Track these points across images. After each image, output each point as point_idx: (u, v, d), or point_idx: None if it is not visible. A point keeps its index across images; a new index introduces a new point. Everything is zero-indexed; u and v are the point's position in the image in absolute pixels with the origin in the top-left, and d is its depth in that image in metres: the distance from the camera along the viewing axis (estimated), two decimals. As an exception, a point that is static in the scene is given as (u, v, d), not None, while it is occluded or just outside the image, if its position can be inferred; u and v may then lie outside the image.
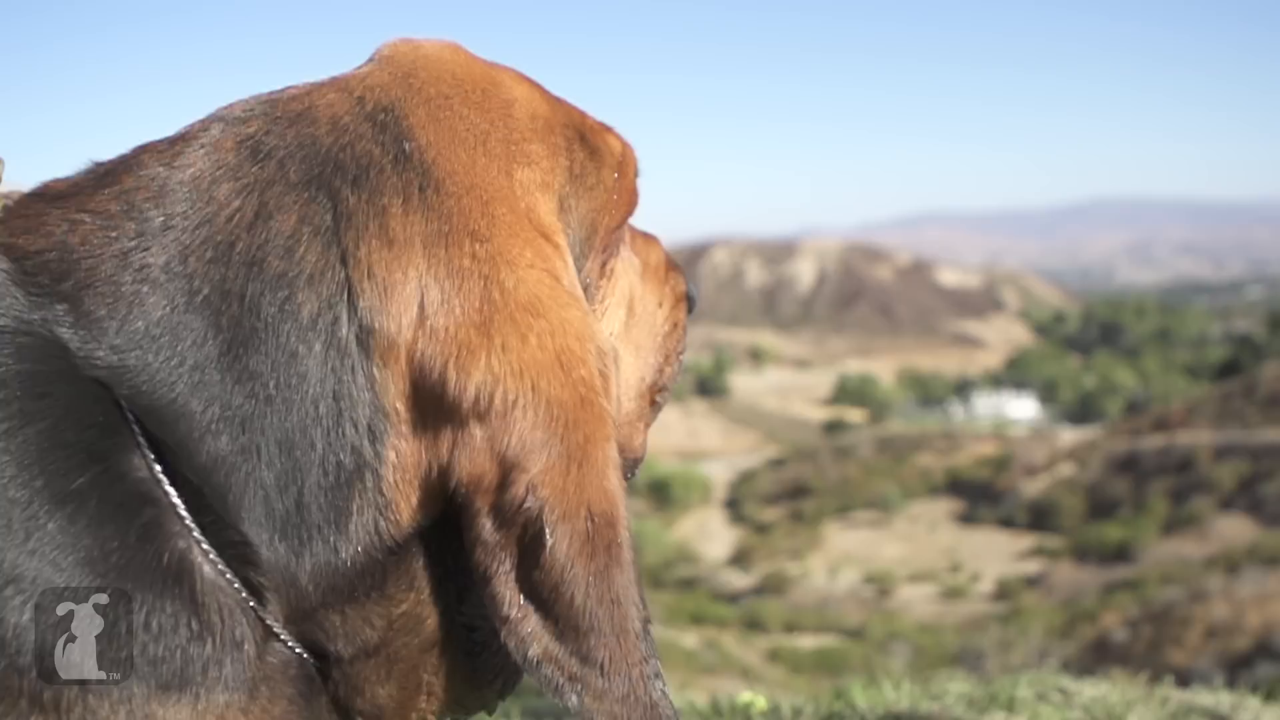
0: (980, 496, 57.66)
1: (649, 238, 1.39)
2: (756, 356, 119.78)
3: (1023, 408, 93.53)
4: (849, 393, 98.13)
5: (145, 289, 1.00)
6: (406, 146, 1.07)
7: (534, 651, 0.99)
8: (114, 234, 1.03)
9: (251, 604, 0.98)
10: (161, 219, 1.03)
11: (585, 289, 1.17)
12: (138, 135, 1.16)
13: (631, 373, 1.32)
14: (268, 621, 0.99)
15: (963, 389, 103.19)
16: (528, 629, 0.99)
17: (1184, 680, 4.44)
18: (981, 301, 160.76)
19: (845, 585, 47.22)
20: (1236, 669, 22.84)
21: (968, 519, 56.48)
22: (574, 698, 0.99)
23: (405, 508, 1.01)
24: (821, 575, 48.59)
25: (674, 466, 64.86)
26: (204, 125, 1.11)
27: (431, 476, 1.00)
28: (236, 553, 0.97)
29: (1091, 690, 3.89)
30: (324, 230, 1.02)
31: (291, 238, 1.01)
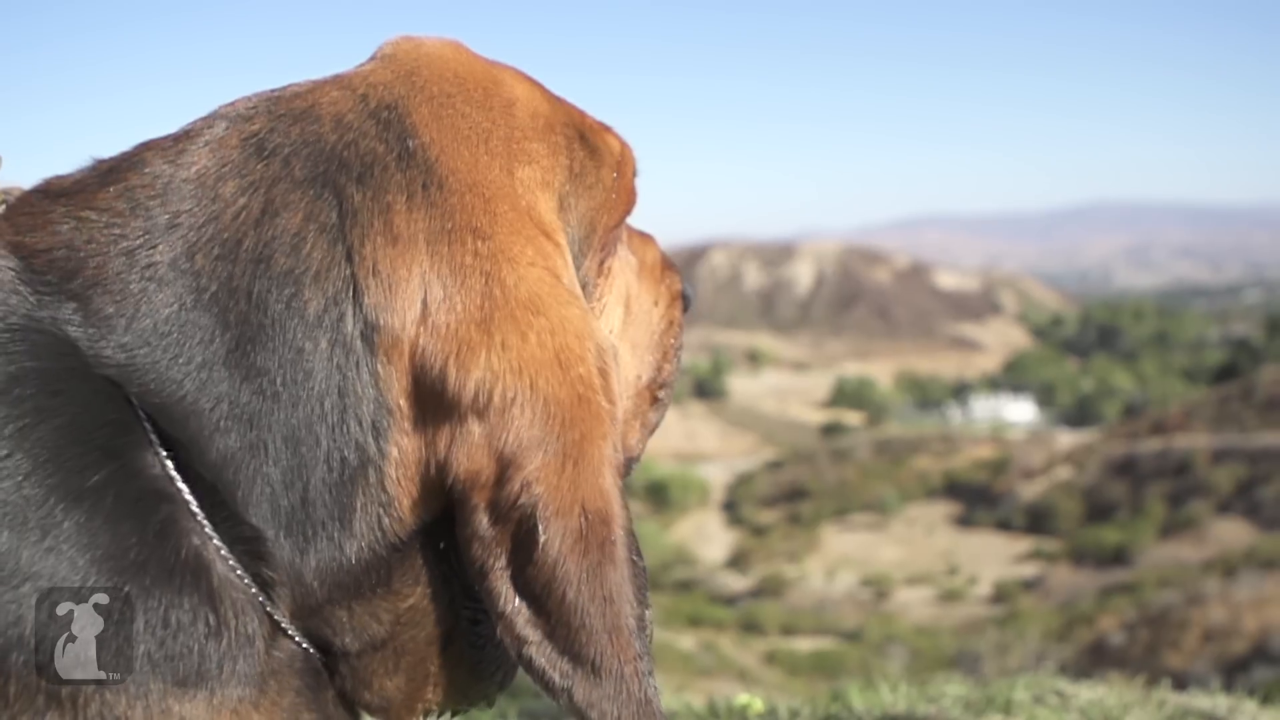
0: (978, 499, 57.64)
1: (645, 237, 1.40)
2: (754, 359, 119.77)
3: (1020, 411, 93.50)
4: (847, 395, 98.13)
5: (153, 287, 1.00)
6: (410, 144, 1.08)
7: (527, 647, 1.00)
8: (121, 232, 1.03)
9: (261, 600, 0.99)
10: (167, 216, 1.04)
11: (583, 287, 1.18)
12: (137, 135, 1.16)
13: (628, 371, 1.32)
14: (275, 617, 1.00)
15: (960, 392, 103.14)
16: (521, 624, 1.00)
17: (1181, 683, 4.45)
18: (979, 304, 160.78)
19: (842, 588, 47.19)
20: (1233, 672, 22.82)
21: (965, 522, 56.45)
22: (565, 694, 1.00)
23: (408, 504, 1.02)
24: (819, 578, 48.55)
25: (672, 468, 64.81)
26: (207, 122, 1.11)
27: (431, 473, 1.01)
28: (247, 549, 0.98)
29: (1088, 693, 3.90)
30: (330, 227, 1.02)
31: (298, 235, 1.02)
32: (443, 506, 1.03)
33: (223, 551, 0.97)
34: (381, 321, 1.00)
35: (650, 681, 1.02)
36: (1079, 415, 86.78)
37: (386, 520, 1.01)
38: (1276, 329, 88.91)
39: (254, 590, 0.99)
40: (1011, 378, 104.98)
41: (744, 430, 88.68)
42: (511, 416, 0.99)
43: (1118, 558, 45.40)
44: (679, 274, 1.43)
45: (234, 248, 1.01)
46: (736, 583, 47.85)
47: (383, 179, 1.05)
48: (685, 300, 1.43)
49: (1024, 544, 51.28)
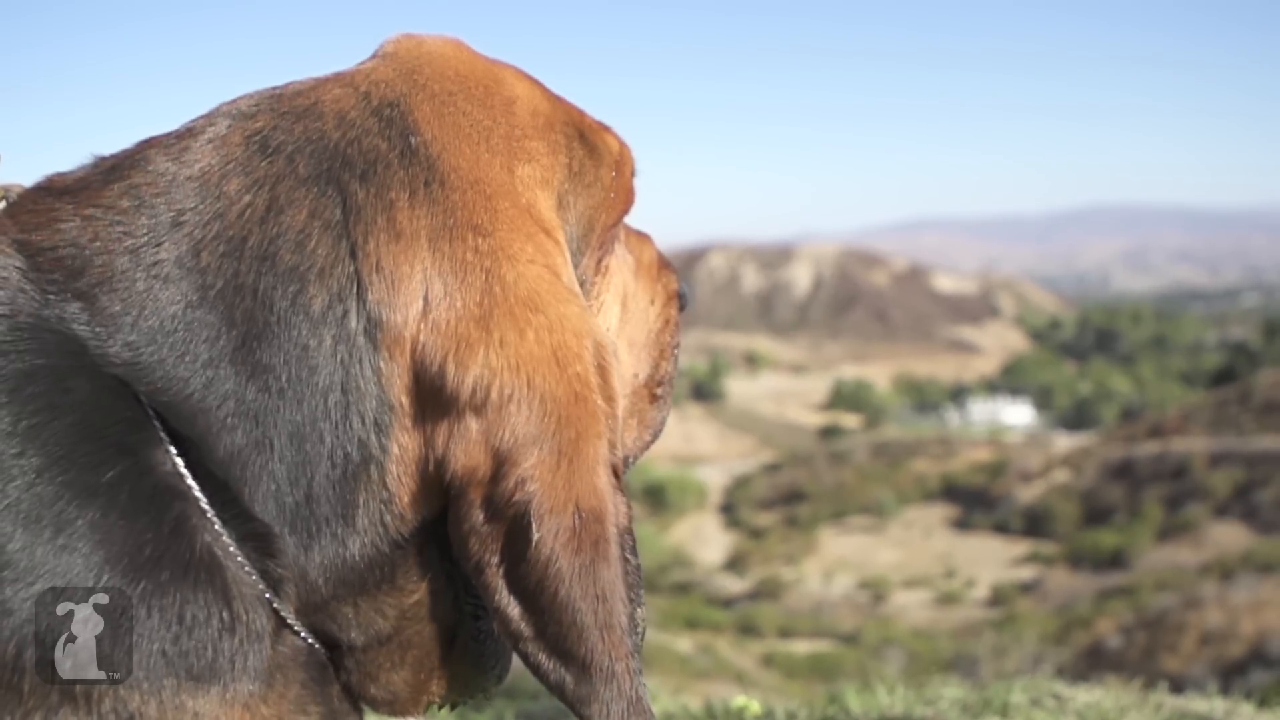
0: (975, 502, 57.64)
1: (642, 236, 1.40)
2: (752, 361, 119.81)
3: (1018, 414, 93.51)
4: (845, 398, 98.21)
5: (159, 285, 1.01)
6: (412, 141, 1.08)
7: (522, 643, 1.01)
8: (126, 229, 1.03)
9: (268, 596, 0.99)
10: (172, 214, 1.04)
11: (581, 285, 1.19)
12: (137, 135, 1.15)
13: (625, 369, 1.33)
14: (282, 613, 1.00)
15: (958, 395, 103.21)
16: (516, 620, 1.01)
17: (1178, 687, 4.45)
18: (977, 307, 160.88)
19: (840, 590, 47.20)
20: (1230, 676, 22.84)
21: (963, 525, 56.45)
22: (558, 690, 1.01)
23: (409, 500, 1.02)
24: (816, 580, 48.57)
25: (669, 471, 64.79)
26: (209, 120, 1.11)
27: (431, 469, 1.02)
28: (255, 545, 0.99)
29: (1085, 696, 3.90)
30: (334, 224, 1.03)
31: (302, 231, 1.02)
32: (443, 503, 1.03)
33: (232, 548, 0.98)
34: (384, 318, 1.01)
35: (641, 680, 1.03)
36: (1077, 418, 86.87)
37: (388, 517, 1.02)
38: (1274, 333, 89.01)
39: (262, 587, 0.99)
40: (1009, 381, 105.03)
41: (742, 433, 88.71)
42: (508, 413, 1.00)
43: (1115, 561, 45.40)
44: (675, 273, 1.44)
45: (239, 245, 1.02)
46: (734, 585, 47.84)
47: (386, 176, 1.06)
48: (682, 299, 1.44)
49: (1021, 547, 51.28)
